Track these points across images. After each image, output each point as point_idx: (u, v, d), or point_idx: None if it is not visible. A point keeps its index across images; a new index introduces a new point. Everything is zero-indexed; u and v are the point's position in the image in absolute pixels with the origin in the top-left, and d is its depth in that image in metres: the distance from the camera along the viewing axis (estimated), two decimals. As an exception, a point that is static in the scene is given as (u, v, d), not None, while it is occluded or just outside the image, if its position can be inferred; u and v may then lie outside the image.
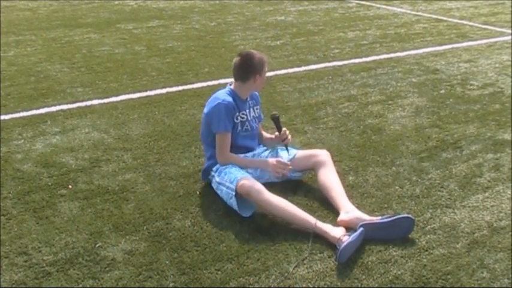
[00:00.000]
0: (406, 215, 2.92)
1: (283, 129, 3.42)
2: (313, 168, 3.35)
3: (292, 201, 3.21)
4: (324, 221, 3.02)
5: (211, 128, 3.29)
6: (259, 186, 3.02)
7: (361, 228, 2.80)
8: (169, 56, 6.19)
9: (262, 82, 3.42)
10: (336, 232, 2.87)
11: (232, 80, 3.41)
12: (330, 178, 3.23)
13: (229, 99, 3.29)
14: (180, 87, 5.18)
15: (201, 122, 3.44)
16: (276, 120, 3.42)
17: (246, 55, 3.34)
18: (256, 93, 3.52)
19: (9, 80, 5.35)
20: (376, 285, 2.56)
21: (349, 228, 2.94)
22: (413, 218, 2.91)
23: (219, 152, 3.27)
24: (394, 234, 2.87)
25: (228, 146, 3.28)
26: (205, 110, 3.34)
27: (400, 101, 4.85)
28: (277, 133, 3.45)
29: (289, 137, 3.43)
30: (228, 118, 3.25)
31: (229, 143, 3.29)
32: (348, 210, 3.02)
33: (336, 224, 2.99)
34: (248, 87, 3.36)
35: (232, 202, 3.09)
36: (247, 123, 3.38)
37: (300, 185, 3.39)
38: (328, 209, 3.13)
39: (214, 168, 3.32)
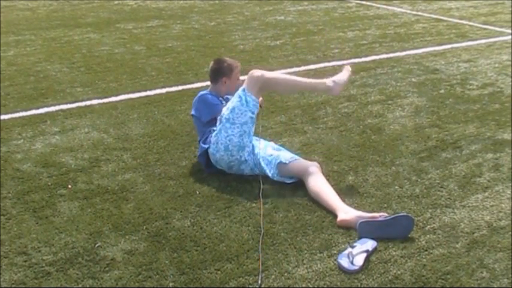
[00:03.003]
0: (405, 214, 2.93)
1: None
2: (302, 179, 3.35)
3: (291, 202, 3.23)
4: (323, 221, 3.03)
5: (203, 119, 3.58)
6: (261, 72, 3.42)
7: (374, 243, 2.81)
8: (169, 56, 6.20)
9: (234, 85, 3.69)
10: None
11: None
12: (319, 185, 3.24)
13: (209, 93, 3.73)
14: (180, 87, 5.18)
15: (195, 123, 3.76)
16: None
17: (217, 60, 3.81)
18: (229, 97, 3.79)
19: (8, 79, 5.35)
20: (376, 285, 2.56)
21: (350, 228, 2.94)
22: (413, 217, 2.91)
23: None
24: (394, 233, 2.87)
25: None
26: (192, 110, 3.69)
27: (399, 101, 4.85)
28: None
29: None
30: (216, 101, 3.62)
31: None
32: (347, 211, 3.02)
33: (335, 225, 2.99)
34: (220, 89, 3.73)
35: (246, 98, 3.37)
36: None
37: (299, 185, 3.38)
38: (326, 209, 3.13)
39: (215, 128, 3.49)
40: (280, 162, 3.39)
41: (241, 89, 3.43)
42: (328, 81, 3.50)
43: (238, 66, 3.77)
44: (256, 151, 3.48)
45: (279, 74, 3.53)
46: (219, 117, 3.47)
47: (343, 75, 3.57)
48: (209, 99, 3.64)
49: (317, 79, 3.58)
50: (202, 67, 5.77)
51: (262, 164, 3.45)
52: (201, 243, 2.84)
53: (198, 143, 3.67)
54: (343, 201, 3.14)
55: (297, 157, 3.46)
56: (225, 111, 3.46)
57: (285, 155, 3.45)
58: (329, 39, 7.00)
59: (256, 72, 3.40)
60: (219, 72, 3.72)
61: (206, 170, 3.56)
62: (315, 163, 3.41)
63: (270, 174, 3.42)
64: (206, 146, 3.50)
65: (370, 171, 3.60)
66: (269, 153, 3.48)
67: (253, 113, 3.42)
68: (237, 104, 3.39)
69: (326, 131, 4.22)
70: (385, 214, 2.97)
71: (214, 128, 3.50)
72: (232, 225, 3.00)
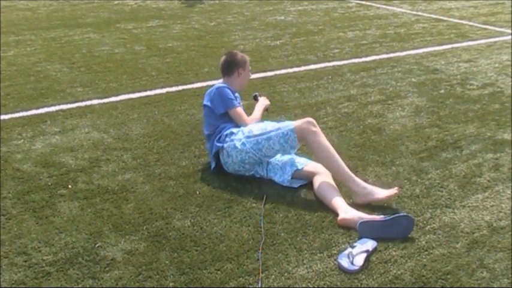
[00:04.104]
0: (405, 214, 2.93)
1: (263, 97, 3.92)
2: (310, 181, 3.36)
3: (291, 202, 3.23)
4: (323, 221, 3.03)
5: (217, 111, 3.52)
6: (316, 129, 3.29)
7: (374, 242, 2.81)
8: (169, 56, 6.20)
9: (247, 78, 3.79)
10: (381, 192, 3.17)
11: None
12: (325, 184, 3.25)
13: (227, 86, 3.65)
14: (180, 87, 5.18)
15: (203, 115, 3.66)
16: (256, 97, 3.91)
17: (230, 53, 3.80)
18: (237, 94, 3.80)
19: (9, 79, 5.35)
20: (376, 285, 2.56)
21: (350, 227, 2.94)
22: (413, 217, 2.91)
23: (241, 123, 3.54)
24: (394, 234, 2.87)
25: (245, 115, 3.57)
26: (206, 101, 3.59)
27: (399, 101, 4.85)
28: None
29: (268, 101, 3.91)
30: (232, 96, 3.56)
31: (244, 113, 3.57)
32: (347, 210, 3.02)
33: (336, 224, 2.99)
34: (234, 81, 3.71)
35: (289, 139, 3.29)
36: None
37: (300, 186, 3.38)
38: (329, 208, 3.13)
39: (235, 131, 3.45)
40: (297, 170, 3.37)
41: (290, 127, 3.29)
42: (364, 187, 3.17)
43: (249, 59, 3.81)
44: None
45: (327, 142, 3.28)
46: (255, 131, 3.39)
47: (379, 194, 3.16)
48: (226, 93, 3.55)
49: (356, 178, 3.22)
50: (202, 67, 5.77)
51: (271, 170, 3.44)
52: (201, 243, 2.84)
53: (207, 137, 3.61)
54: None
55: (309, 160, 3.45)
56: (262, 129, 3.37)
57: (298, 160, 3.44)
58: (329, 39, 7.00)
59: (308, 126, 3.28)
60: (234, 64, 3.70)
61: (212, 170, 3.55)
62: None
63: (279, 180, 3.40)
64: (220, 145, 3.45)
65: (370, 171, 3.60)
66: (278, 158, 3.47)
67: (282, 154, 3.44)
68: (276, 138, 3.32)
69: (326, 131, 4.20)
70: (384, 216, 2.97)
71: (233, 130, 3.45)
72: (232, 225, 3.00)
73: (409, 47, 6.62)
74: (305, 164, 3.40)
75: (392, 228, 2.87)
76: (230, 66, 3.71)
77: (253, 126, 3.47)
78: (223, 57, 3.77)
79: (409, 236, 2.89)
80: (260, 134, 3.37)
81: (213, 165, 3.55)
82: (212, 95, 3.57)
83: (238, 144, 3.38)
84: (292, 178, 3.37)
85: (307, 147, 3.39)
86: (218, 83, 3.71)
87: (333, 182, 3.26)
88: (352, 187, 3.20)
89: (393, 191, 3.17)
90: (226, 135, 3.46)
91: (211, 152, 3.53)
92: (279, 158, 3.46)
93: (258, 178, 3.47)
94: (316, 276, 2.60)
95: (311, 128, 3.28)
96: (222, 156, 3.47)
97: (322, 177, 3.28)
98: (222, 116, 3.53)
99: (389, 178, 3.50)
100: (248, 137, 3.39)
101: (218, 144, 3.46)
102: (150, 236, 2.90)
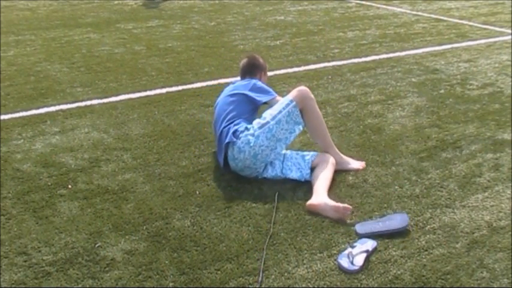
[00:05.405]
0: (400, 212, 2.98)
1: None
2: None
3: (291, 202, 3.23)
4: (323, 221, 3.03)
5: (259, 100, 3.58)
6: (313, 96, 3.54)
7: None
8: (169, 56, 6.20)
9: (265, 81, 3.87)
10: (355, 163, 3.60)
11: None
12: (319, 171, 3.35)
13: None
14: (180, 87, 5.18)
15: (231, 102, 3.57)
16: None
17: (253, 56, 3.95)
18: None
19: (8, 79, 5.35)
20: (376, 285, 2.56)
21: (317, 213, 3.04)
22: (406, 212, 2.96)
23: None
24: (391, 228, 2.90)
25: None
26: (242, 90, 3.60)
27: (399, 101, 4.85)
28: None
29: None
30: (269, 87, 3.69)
31: None
32: (319, 195, 3.11)
33: (335, 225, 3.00)
34: None
35: (293, 114, 3.43)
36: None
37: (299, 185, 3.39)
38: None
39: (249, 126, 3.44)
40: (312, 160, 3.45)
41: (292, 104, 3.41)
42: (340, 157, 3.59)
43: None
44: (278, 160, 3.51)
45: (318, 109, 3.59)
46: (262, 120, 3.40)
47: (353, 164, 3.62)
48: (264, 85, 3.66)
49: (335, 148, 3.62)
50: (202, 67, 5.77)
51: (286, 168, 3.45)
52: (201, 243, 2.84)
53: (224, 127, 3.48)
54: (341, 198, 3.15)
55: (315, 152, 3.53)
56: (269, 117, 3.40)
57: (307, 153, 3.51)
58: (329, 39, 7.00)
59: (306, 90, 3.49)
60: (258, 67, 3.83)
61: (224, 169, 3.52)
62: (331, 157, 3.49)
63: (297, 176, 3.41)
64: (234, 140, 3.38)
65: (370, 171, 3.60)
66: (288, 156, 3.49)
67: (293, 136, 3.47)
68: (284, 118, 3.40)
69: (326, 131, 4.21)
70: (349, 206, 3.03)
71: (247, 126, 3.42)
72: (232, 225, 3.00)
73: (409, 47, 6.62)
74: (314, 154, 3.49)
75: (388, 223, 2.91)
76: (254, 69, 3.82)
77: (259, 119, 3.47)
78: (246, 59, 3.87)
79: (409, 236, 2.90)
80: (269, 121, 3.40)
81: (220, 159, 3.50)
82: (251, 86, 3.60)
83: (251, 138, 3.36)
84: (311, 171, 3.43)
85: (302, 111, 3.47)
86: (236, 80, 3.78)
87: (327, 170, 3.34)
88: (332, 154, 3.53)
89: (362, 164, 3.63)
90: (241, 131, 3.42)
91: (222, 143, 3.45)
92: (289, 155, 3.49)
93: (260, 178, 3.47)
94: (316, 276, 2.61)
95: (310, 95, 3.51)
96: (232, 151, 3.41)
97: (322, 165, 3.38)
98: (254, 108, 3.59)
99: (389, 178, 3.50)
100: (259, 127, 3.39)
101: (234, 139, 3.40)
102: (150, 236, 2.90)
